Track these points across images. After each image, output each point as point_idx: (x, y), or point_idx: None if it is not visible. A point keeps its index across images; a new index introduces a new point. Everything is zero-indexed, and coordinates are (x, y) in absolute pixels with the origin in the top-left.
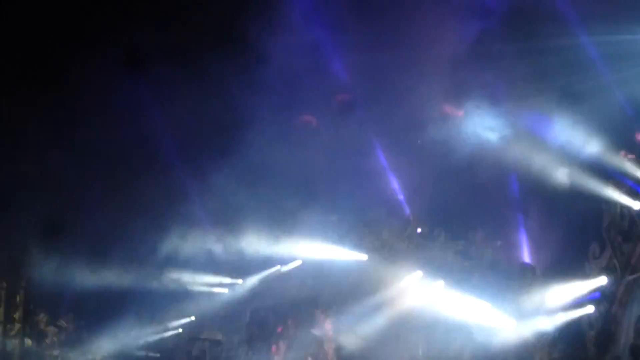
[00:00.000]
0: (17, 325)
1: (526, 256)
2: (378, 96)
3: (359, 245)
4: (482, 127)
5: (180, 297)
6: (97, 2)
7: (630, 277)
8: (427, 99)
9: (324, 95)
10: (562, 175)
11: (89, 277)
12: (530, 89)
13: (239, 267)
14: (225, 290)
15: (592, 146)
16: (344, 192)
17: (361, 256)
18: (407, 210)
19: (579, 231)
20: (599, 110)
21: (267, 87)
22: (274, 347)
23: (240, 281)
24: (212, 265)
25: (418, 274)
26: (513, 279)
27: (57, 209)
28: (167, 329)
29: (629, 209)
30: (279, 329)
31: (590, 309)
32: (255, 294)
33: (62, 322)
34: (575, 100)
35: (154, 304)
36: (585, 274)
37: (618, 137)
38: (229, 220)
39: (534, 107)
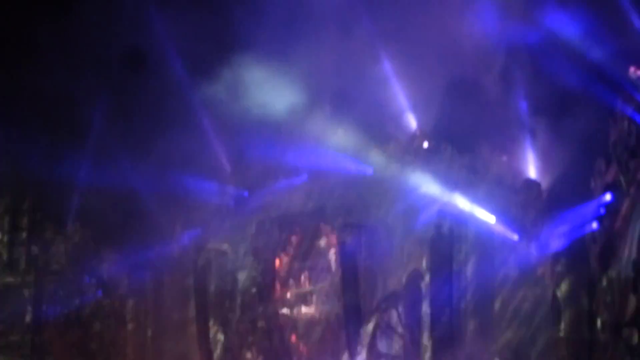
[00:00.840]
0: (24, 234)
1: (532, 172)
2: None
3: (365, 159)
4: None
5: (186, 207)
6: None
7: (635, 193)
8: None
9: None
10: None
11: (94, 185)
12: None
13: (245, 178)
14: (231, 201)
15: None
16: (351, 102)
17: (367, 169)
18: (414, 124)
19: (585, 147)
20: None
21: None
22: (277, 260)
23: (246, 192)
24: (218, 175)
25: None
26: (518, 194)
27: (61, 114)
28: (173, 240)
29: (636, 125)
30: (284, 241)
31: (594, 224)
32: (261, 205)
33: (69, 231)
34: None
35: (160, 214)
36: (590, 190)
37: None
38: (234, 127)
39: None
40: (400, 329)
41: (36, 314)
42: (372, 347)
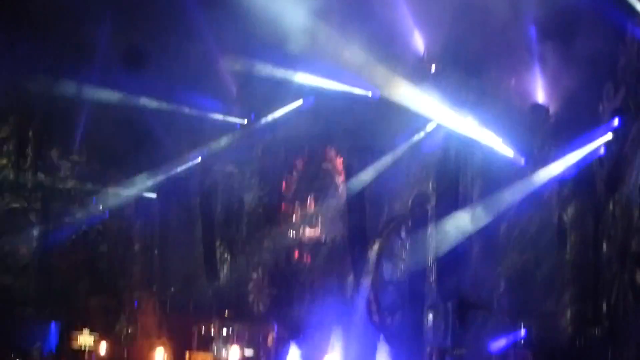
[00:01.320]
0: (29, 158)
1: (540, 95)
2: None
3: (372, 81)
4: None
5: (192, 129)
6: None
7: None
8: None
9: None
10: None
11: (100, 107)
12: None
13: (251, 100)
14: (237, 124)
15: None
16: (360, 21)
17: (374, 91)
18: (422, 46)
19: (593, 71)
20: None
21: None
22: (283, 182)
23: (252, 114)
24: (225, 97)
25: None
26: (526, 117)
27: (66, 32)
28: (179, 161)
29: None
30: (291, 163)
31: (601, 149)
32: (267, 128)
33: (75, 156)
34: None
35: (166, 135)
36: (598, 115)
37: None
38: (240, 47)
39: None
40: (404, 254)
41: (43, 237)
42: (376, 273)
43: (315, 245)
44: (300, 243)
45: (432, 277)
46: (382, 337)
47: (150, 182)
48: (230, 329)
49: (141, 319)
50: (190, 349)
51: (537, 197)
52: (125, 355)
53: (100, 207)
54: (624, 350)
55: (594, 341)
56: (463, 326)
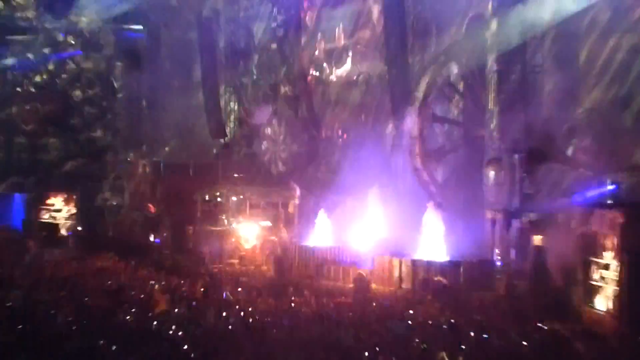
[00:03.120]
0: None
1: None
2: None
3: None
4: None
5: None
6: None
7: None
8: None
9: None
10: None
11: None
12: None
13: None
14: None
15: None
16: None
17: None
18: None
19: None
20: None
21: None
22: (303, 10)
23: None
24: None
25: None
26: None
27: None
28: None
29: None
30: None
31: None
32: None
33: None
34: None
35: None
36: None
37: None
38: None
39: None
40: (460, 88)
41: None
42: (425, 110)
43: (344, 86)
44: (325, 86)
45: (494, 122)
46: (429, 198)
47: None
48: (242, 196)
49: (129, 187)
50: (192, 223)
51: (625, 15)
52: (110, 233)
53: (72, 41)
54: None
55: None
56: (534, 184)
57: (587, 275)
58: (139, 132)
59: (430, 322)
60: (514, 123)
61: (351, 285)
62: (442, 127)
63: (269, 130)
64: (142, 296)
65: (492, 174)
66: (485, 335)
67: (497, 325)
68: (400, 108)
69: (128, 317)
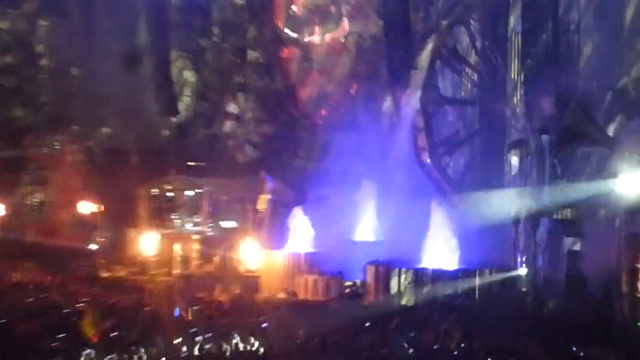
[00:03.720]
0: None
1: None
2: None
3: None
4: None
5: None
6: None
7: None
8: None
9: None
10: None
11: None
12: None
13: None
14: None
15: None
16: None
17: None
18: None
19: None
20: None
21: None
22: None
23: None
24: None
25: None
26: None
27: None
28: None
29: None
30: None
31: None
32: None
33: None
34: None
35: None
36: None
37: None
38: None
39: None
40: (473, 59)
41: None
42: (428, 87)
43: (329, 52)
44: (305, 51)
45: (518, 96)
46: (441, 196)
47: None
48: (200, 190)
49: (55, 179)
50: (134, 223)
51: None
52: (31, 238)
53: None
54: None
55: None
56: (567, 172)
57: (635, 287)
58: (68, 110)
59: (435, 347)
60: (542, 96)
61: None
62: (456, 107)
63: (233, 107)
64: (73, 318)
65: (515, 160)
66: None
67: (522, 351)
68: (400, 79)
69: (54, 344)
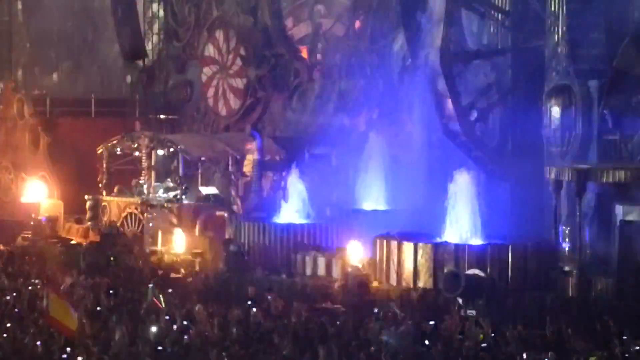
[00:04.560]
0: None
1: None
2: None
3: None
4: None
5: None
6: None
7: None
8: None
9: None
10: None
11: None
12: None
13: None
14: None
15: None
16: None
17: None
18: None
19: None
20: None
21: None
22: None
23: None
24: None
25: None
26: None
27: None
28: None
29: None
30: None
31: None
32: None
33: None
34: None
35: None
36: None
37: None
38: None
39: None
40: None
41: None
42: (448, 31)
43: None
44: None
45: (559, 33)
46: (463, 153)
47: None
48: (172, 148)
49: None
50: (93, 191)
51: None
52: None
53: None
54: None
55: None
56: (619, 126)
57: None
58: (9, 52)
59: (460, 337)
60: (590, 32)
61: (339, 283)
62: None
63: (211, 47)
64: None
65: (556, 110)
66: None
67: (563, 343)
68: (412, 19)
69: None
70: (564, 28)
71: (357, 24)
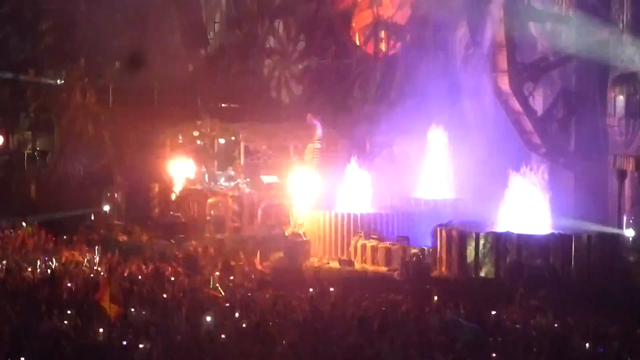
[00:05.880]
0: None
1: None
2: None
3: None
4: None
5: None
6: None
7: None
8: None
9: None
10: None
11: None
12: None
13: None
14: None
15: None
16: None
17: None
18: None
19: None
20: None
21: None
22: None
23: None
24: None
25: None
26: None
27: None
28: None
29: None
30: None
31: None
32: None
33: None
34: None
35: None
36: None
37: None
38: None
39: None
40: None
41: None
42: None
43: None
44: None
45: (625, 12)
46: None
47: None
48: (234, 137)
49: (60, 124)
50: (158, 180)
51: None
52: (32, 194)
53: None
54: None
55: None
56: None
57: None
58: (73, 41)
59: (519, 327)
60: None
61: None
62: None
63: (273, 36)
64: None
65: (621, 99)
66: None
67: (628, 335)
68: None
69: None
70: (629, 16)
71: (420, 12)
